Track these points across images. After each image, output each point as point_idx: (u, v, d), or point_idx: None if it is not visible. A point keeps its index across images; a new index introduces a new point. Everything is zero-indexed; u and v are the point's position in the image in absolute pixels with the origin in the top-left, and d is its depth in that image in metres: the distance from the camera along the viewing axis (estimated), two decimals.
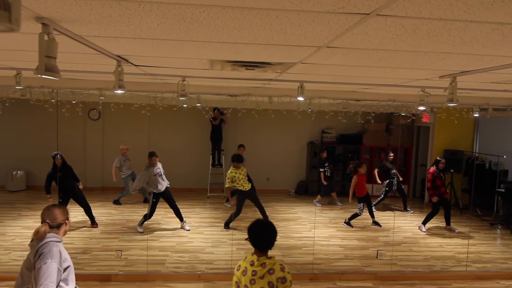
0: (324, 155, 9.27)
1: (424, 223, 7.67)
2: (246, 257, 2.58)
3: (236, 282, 2.60)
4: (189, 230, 7.07)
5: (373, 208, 7.97)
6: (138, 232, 6.77)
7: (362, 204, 7.62)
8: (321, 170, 9.18)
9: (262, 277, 2.43)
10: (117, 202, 8.86)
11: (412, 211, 9.08)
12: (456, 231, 7.61)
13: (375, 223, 7.76)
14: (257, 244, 2.53)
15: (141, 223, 6.86)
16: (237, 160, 6.95)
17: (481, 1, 1.30)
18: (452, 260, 6.16)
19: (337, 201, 9.53)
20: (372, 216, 7.79)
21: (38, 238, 2.51)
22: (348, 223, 7.72)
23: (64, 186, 6.71)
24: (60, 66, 1.94)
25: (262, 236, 2.53)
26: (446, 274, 5.60)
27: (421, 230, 7.61)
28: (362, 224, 7.83)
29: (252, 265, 2.48)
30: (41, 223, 2.61)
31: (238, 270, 2.57)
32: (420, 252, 6.50)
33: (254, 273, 2.45)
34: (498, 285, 5.38)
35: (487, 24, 1.58)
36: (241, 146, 9.01)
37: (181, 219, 7.12)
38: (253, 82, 4.64)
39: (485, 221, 8.39)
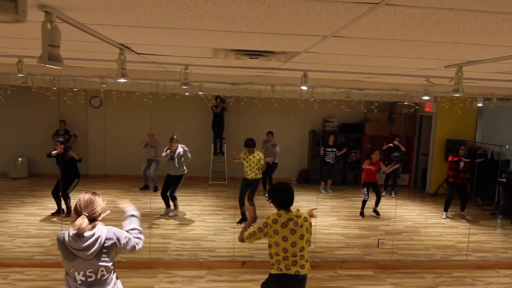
0: (331, 140, 9.28)
1: (445, 210, 7.88)
2: (280, 215, 3.02)
3: (266, 233, 3.02)
4: (172, 216, 7.17)
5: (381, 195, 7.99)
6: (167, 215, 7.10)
7: (366, 189, 7.64)
8: (321, 147, 9.33)
9: (301, 226, 3.02)
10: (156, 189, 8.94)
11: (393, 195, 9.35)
12: (467, 218, 7.71)
13: (375, 211, 7.77)
14: (285, 204, 3.04)
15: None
16: (246, 144, 6.66)
17: None
18: (452, 249, 6.20)
19: (328, 188, 9.57)
20: (377, 204, 7.76)
21: (81, 231, 2.31)
22: (376, 211, 7.77)
23: (64, 170, 6.71)
24: (62, 53, 1.92)
25: (286, 197, 3.05)
26: (446, 263, 5.64)
27: (442, 217, 7.82)
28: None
29: (291, 220, 3.00)
30: (77, 214, 2.36)
31: (275, 223, 3.00)
32: (420, 241, 6.54)
33: (296, 224, 3.00)
34: (498, 274, 5.42)
35: (499, 14, 1.55)
36: (269, 133, 8.88)
37: (167, 205, 7.21)
38: (256, 70, 4.60)
39: (486, 211, 8.41)
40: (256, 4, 1.55)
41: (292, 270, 3.00)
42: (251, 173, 6.75)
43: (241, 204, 6.92)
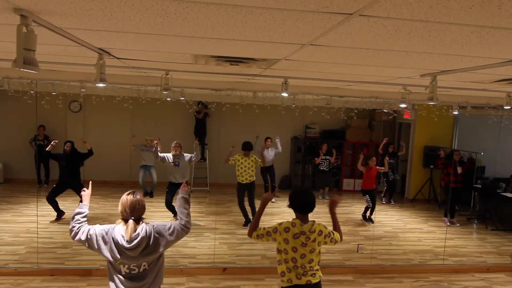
0: (324, 148, 9.42)
1: (450, 215, 7.96)
2: (294, 224, 2.89)
3: (274, 238, 2.93)
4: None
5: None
6: None
7: (367, 195, 7.73)
8: (316, 158, 9.40)
9: (314, 241, 2.89)
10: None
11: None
12: (457, 225, 7.88)
13: (370, 219, 7.84)
14: (303, 209, 2.91)
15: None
16: (243, 147, 6.85)
17: (460, 5, 1.33)
18: (430, 254, 6.32)
19: (325, 195, 9.69)
20: (371, 212, 7.82)
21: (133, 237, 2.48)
22: (370, 218, 7.79)
23: (68, 174, 6.61)
24: (39, 57, 1.90)
25: (307, 201, 2.91)
26: (424, 268, 5.75)
27: (447, 224, 7.85)
28: (343, 218, 7.94)
29: (303, 233, 2.87)
30: (124, 218, 2.52)
31: (287, 232, 2.89)
32: (399, 246, 6.65)
33: (308, 238, 2.86)
34: (473, 278, 5.56)
35: (466, 26, 1.62)
36: (268, 138, 8.96)
37: (175, 213, 6.98)
38: (237, 77, 4.63)
39: (462, 216, 8.63)
40: (234, 12, 1.57)
41: (303, 280, 2.89)
42: (246, 175, 6.90)
43: (242, 208, 7.02)
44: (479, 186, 8.77)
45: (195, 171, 9.69)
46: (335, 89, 5.62)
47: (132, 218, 2.50)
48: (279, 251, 2.98)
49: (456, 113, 6.67)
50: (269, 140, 8.92)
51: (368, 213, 7.85)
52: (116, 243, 2.48)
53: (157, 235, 2.57)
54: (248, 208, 7.09)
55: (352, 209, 8.00)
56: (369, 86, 5.02)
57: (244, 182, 6.95)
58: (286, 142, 10.81)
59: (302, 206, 2.92)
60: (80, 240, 2.54)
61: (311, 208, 2.93)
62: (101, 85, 2.96)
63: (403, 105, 4.79)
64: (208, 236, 6.49)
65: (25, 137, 9.29)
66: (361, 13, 1.49)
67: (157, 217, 7.41)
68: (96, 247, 2.52)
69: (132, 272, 2.55)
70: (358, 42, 2.06)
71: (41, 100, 7.24)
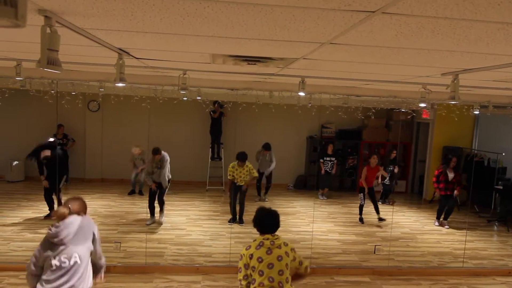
0: (330, 149, 9.35)
1: (437, 217, 7.86)
2: (254, 240, 2.88)
3: (245, 264, 2.82)
4: (161, 224, 6.95)
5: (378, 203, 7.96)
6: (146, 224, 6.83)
7: (362, 194, 7.64)
8: (321, 160, 9.35)
9: (279, 247, 2.81)
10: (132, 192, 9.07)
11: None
12: (446, 227, 7.70)
13: (379, 219, 7.73)
14: (268, 230, 2.87)
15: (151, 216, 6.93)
16: (238, 157, 7.01)
17: (488, 1, 1.29)
18: (449, 256, 6.20)
19: (324, 195, 9.62)
20: (377, 212, 7.73)
21: (61, 216, 2.64)
22: (361, 219, 7.75)
23: (51, 176, 6.82)
24: (60, 57, 1.93)
25: (272, 222, 2.91)
26: (443, 270, 5.64)
27: (435, 225, 7.82)
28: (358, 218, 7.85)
29: (267, 239, 2.83)
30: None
31: (247, 249, 2.82)
32: (417, 248, 6.54)
33: (272, 243, 2.80)
34: (494, 281, 5.42)
35: (493, 23, 1.58)
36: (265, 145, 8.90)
37: (153, 215, 7.03)
38: (254, 76, 4.62)
39: (482, 217, 8.43)
40: (254, 11, 1.56)
41: None
42: (241, 181, 7.17)
43: (233, 206, 7.26)
44: (500, 187, 8.55)
45: (210, 170, 9.75)
46: (353, 88, 5.56)
47: (68, 206, 2.69)
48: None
49: (477, 112, 6.50)
50: (266, 151, 8.88)
51: (361, 214, 7.78)
52: (49, 237, 2.61)
53: (92, 229, 2.74)
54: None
55: (368, 209, 7.89)
56: (388, 85, 4.95)
57: (238, 184, 7.17)
58: (301, 141, 10.77)
59: (268, 227, 2.89)
60: (31, 268, 2.70)
61: (276, 228, 2.93)
62: (120, 84, 2.99)
63: (422, 105, 4.70)
64: (223, 235, 6.52)
65: (46, 135, 9.45)
66: (384, 10, 1.46)
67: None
68: (41, 258, 2.67)
69: (63, 265, 2.61)
70: (379, 40, 2.02)
71: (61, 99, 7.38)
